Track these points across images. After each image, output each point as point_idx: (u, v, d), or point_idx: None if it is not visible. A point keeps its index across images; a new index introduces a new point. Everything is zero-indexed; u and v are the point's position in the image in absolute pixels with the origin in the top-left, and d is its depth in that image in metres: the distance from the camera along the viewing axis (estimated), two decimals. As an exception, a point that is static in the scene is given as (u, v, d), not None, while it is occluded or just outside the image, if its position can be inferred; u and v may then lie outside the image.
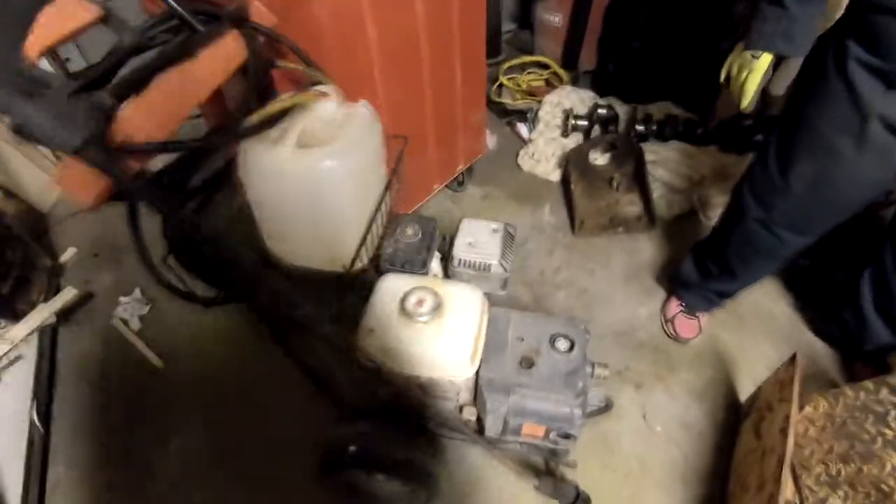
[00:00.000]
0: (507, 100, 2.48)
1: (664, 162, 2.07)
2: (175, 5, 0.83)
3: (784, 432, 1.12)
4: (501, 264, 1.15)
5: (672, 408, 1.46)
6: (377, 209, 1.05)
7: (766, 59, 0.99)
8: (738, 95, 1.07)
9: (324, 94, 0.86)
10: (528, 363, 1.02)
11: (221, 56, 0.78)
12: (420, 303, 1.01)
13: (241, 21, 0.87)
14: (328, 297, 0.98)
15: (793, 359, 1.23)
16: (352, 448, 1.02)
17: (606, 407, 1.12)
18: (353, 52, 1.29)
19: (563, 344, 1.04)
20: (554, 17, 2.46)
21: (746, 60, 1.02)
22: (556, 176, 2.16)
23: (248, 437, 1.43)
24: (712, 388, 1.50)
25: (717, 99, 2.21)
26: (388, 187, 1.08)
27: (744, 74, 1.03)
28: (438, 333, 0.98)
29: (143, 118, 0.67)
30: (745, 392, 1.48)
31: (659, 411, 1.45)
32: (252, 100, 0.81)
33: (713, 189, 1.99)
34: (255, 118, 0.78)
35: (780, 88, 1.01)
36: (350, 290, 1.02)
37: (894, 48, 0.87)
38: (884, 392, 1.15)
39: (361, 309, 1.00)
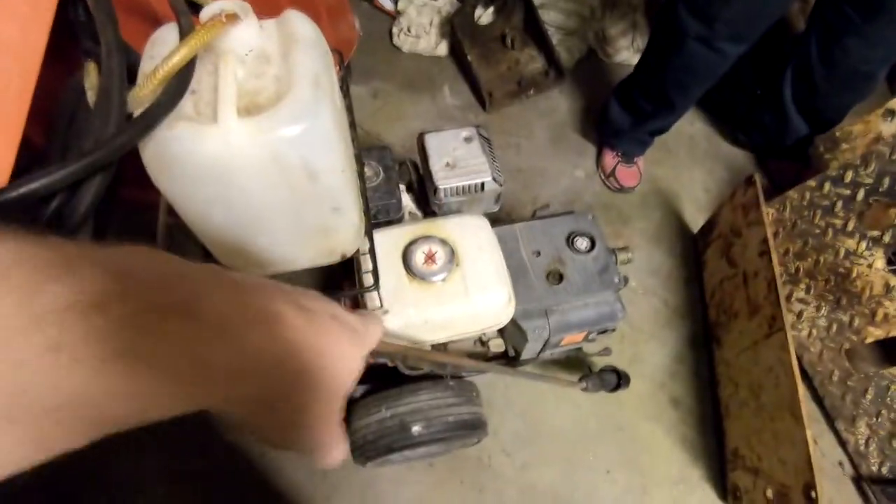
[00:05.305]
0: (353, -34, 2.04)
1: (551, 3, 1.88)
2: None
3: (765, 255, 1.17)
4: (495, 178, 0.95)
5: (638, 260, 1.48)
6: (358, 155, 0.76)
7: None
8: None
9: (232, 17, 0.48)
10: (556, 277, 0.92)
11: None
12: (430, 258, 0.82)
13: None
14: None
15: (750, 180, 1.26)
16: (416, 428, 0.88)
17: (626, 283, 1.07)
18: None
19: (582, 243, 0.95)
20: None
21: None
22: (443, 49, 1.89)
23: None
24: (665, 227, 1.54)
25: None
26: (353, 123, 0.79)
27: None
28: (465, 288, 0.81)
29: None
30: (693, 220, 1.54)
31: (628, 267, 1.47)
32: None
33: (607, 21, 1.87)
34: (145, 88, 0.43)
35: None
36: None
37: None
38: (827, 186, 1.23)
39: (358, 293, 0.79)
